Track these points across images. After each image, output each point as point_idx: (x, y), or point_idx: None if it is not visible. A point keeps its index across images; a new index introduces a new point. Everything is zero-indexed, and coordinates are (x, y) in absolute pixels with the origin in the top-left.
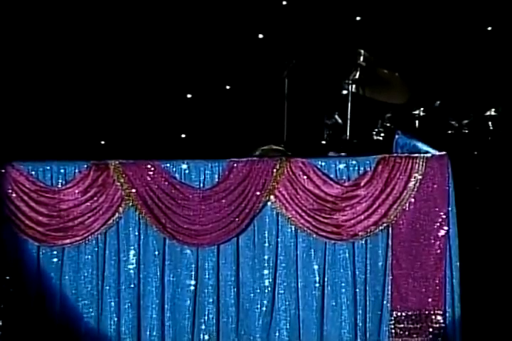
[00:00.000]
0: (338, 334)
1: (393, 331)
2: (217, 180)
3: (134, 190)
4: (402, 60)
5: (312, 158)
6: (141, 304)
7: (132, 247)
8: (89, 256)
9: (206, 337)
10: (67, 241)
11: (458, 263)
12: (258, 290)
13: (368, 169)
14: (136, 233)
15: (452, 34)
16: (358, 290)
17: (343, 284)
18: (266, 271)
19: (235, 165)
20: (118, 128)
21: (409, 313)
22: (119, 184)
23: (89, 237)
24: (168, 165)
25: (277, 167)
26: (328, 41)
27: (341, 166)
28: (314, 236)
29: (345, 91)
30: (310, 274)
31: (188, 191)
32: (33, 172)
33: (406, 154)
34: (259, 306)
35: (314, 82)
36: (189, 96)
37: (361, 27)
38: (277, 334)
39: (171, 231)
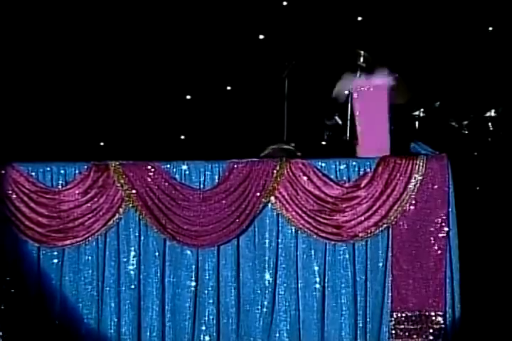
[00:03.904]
0: (339, 334)
1: (393, 332)
2: (217, 180)
3: (134, 191)
4: (402, 61)
5: (312, 158)
6: (141, 305)
7: (132, 248)
8: (90, 257)
9: (207, 337)
10: (68, 242)
11: (458, 264)
12: (258, 291)
13: (368, 170)
14: (137, 234)
15: (452, 34)
16: (358, 291)
17: (343, 285)
18: (266, 272)
19: (235, 166)
20: (118, 130)
21: (410, 314)
22: (119, 185)
23: (90, 238)
24: (168, 166)
25: (277, 168)
26: (329, 42)
27: (341, 167)
28: (314, 236)
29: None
30: (310, 275)
31: (188, 192)
32: (33, 173)
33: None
34: (259, 307)
35: (314, 83)
36: (188, 97)
37: (361, 27)
38: (277, 334)
39: (171, 232)
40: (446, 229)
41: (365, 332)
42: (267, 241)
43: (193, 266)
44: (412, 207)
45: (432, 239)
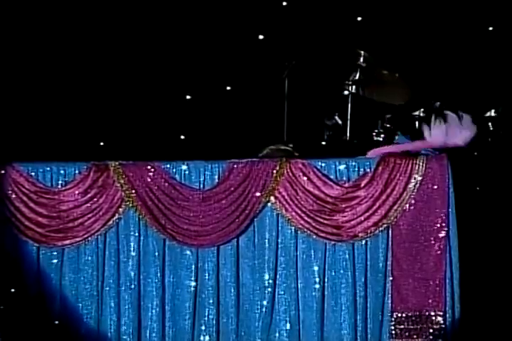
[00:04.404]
0: (338, 335)
1: (393, 332)
2: (217, 180)
3: (134, 191)
4: (402, 61)
5: (312, 158)
6: (141, 305)
7: (132, 248)
8: (89, 257)
9: (206, 337)
10: (67, 242)
11: (458, 264)
12: (258, 291)
13: (368, 170)
14: (136, 234)
15: (452, 34)
16: (358, 291)
17: (343, 285)
18: (266, 272)
19: (235, 166)
20: (118, 130)
21: (410, 314)
22: (119, 185)
23: (89, 238)
24: (168, 166)
25: (277, 168)
26: (329, 42)
27: (341, 167)
28: (314, 237)
29: (345, 92)
30: (310, 275)
31: (188, 192)
32: (33, 173)
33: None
34: (259, 307)
35: (314, 83)
36: (188, 97)
37: (362, 28)
38: (277, 335)
39: (171, 232)
40: (446, 229)
41: (365, 332)
42: (266, 241)
43: (193, 266)
44: (411, 207)
45: (431, 239)
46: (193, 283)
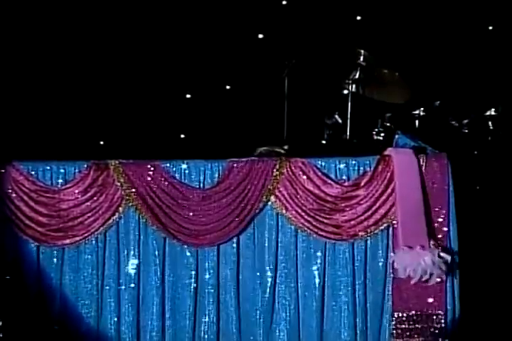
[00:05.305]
0: (338, 334)
1: (394, 331)
2: (217, 179)
3: (134, 190)
4: (402, 60)
5: (312, 157)
6: (141, 304)
7: (132, 247)
8: (89, 256)
9: (206, 337)
10: (67, 241)
11: (458, 264)
12: (258, 290)
13: (368, 169)
14: (136, 233)
15: (452, 34)
16: (358, 290)
17: (343, 284)
18: (266, 271)
19: (235, 165)
20: (118, 128)
21: (410, 313)
22: (119, 184)
23: (89, 237)
24: (168, 165)
25: (277, 167)
26: (328, 41)
27: (341, 166)
28: (314, 236)
29: (345, 91)
30: (310, 274)
31: (188, 191)
32: (33, 172)
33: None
34: (259, 306)
35: (314, 82)
36: (188, 96)
37: (361, 27)
38: (277, 334)
39: (171, 231)
40: (445, 228)
41: (365, 332)
42: (266, 240)
43: (193, 265)
44: None
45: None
46: (193, 282)
